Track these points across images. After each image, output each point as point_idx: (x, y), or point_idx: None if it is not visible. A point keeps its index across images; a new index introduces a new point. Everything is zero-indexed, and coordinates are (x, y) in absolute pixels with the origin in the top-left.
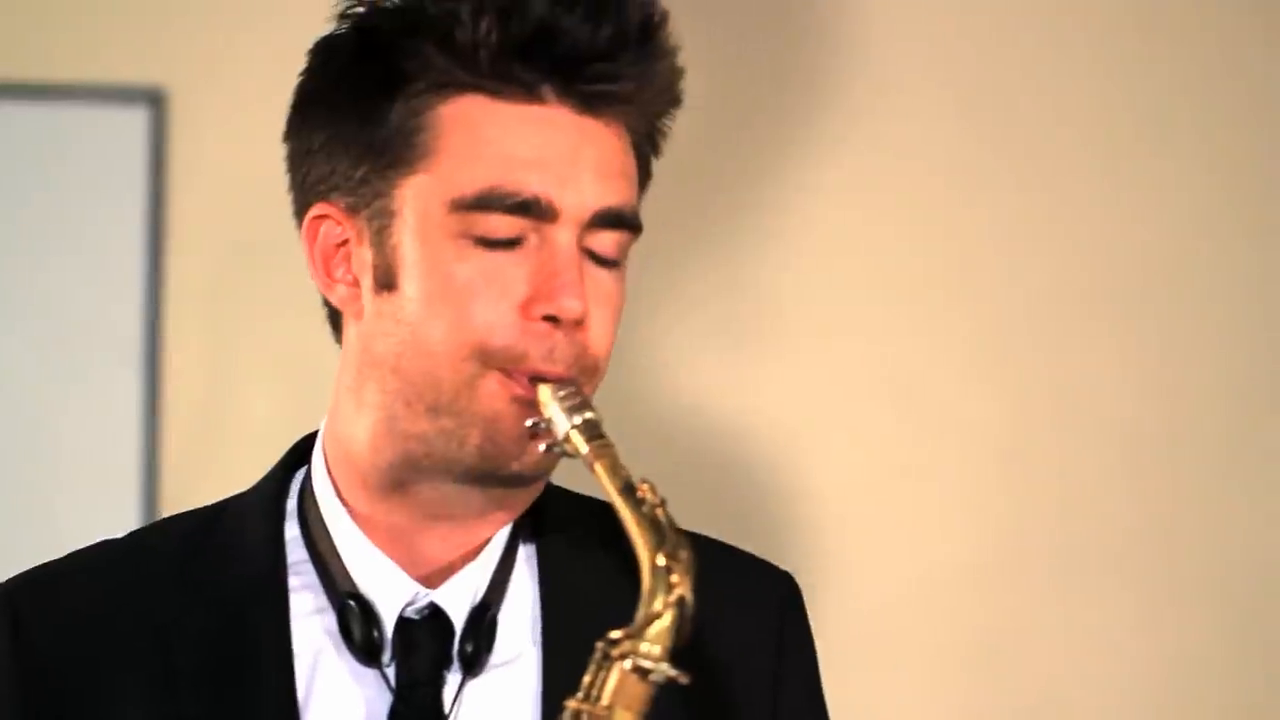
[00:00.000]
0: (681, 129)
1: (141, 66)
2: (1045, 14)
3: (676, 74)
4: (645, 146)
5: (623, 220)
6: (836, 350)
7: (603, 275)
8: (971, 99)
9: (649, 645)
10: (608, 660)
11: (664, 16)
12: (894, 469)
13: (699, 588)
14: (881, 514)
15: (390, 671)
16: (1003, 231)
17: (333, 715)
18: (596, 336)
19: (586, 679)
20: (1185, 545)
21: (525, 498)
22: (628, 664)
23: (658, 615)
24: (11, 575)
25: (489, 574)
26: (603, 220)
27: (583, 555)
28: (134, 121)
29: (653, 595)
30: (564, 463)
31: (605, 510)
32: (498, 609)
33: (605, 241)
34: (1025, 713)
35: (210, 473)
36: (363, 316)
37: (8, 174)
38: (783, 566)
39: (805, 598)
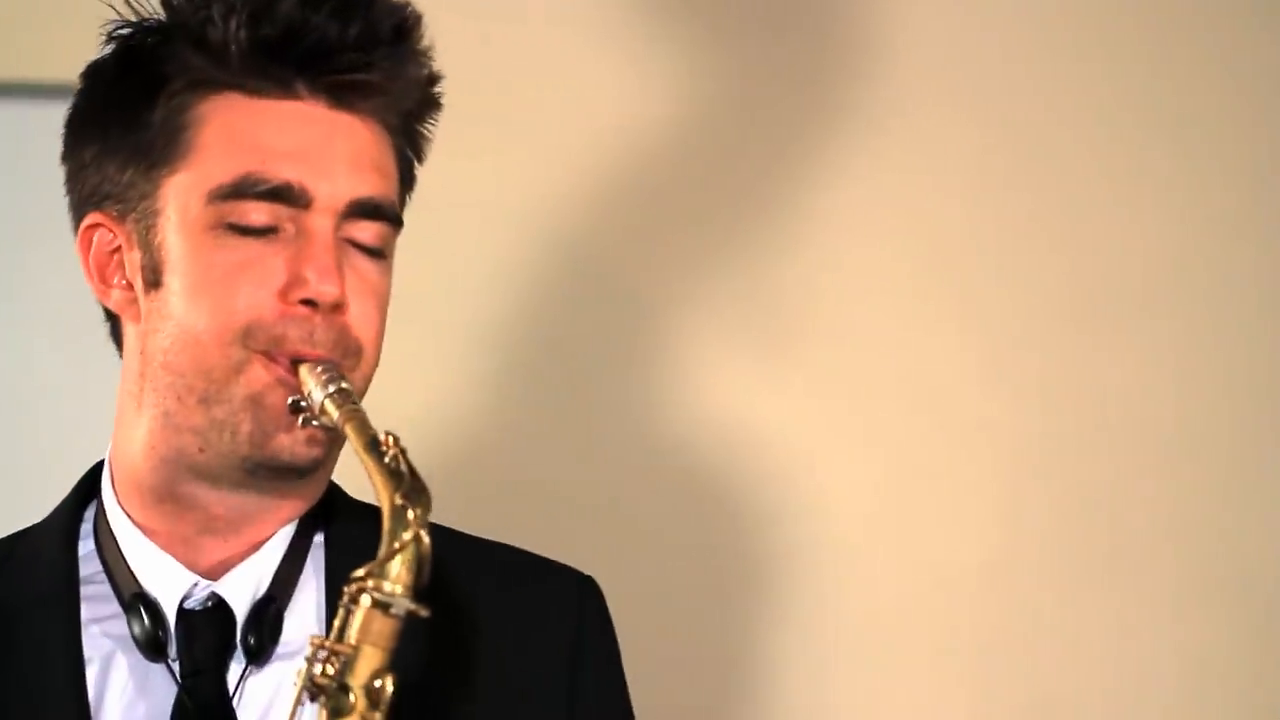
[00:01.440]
0: (700, 136)
1: None
2: (1058, 19)
3: (430, 75)
4: (406, 149)
5: (380, 211)
6: (855, 354)
7: (365, 265)
8: (988, 105)
9: (390, 581)
10: (353, 602)
11: (416, 19)
12: (912, 471)
13: (486, 579)
14: (900, 516)
15: (177, 666)
16: (1021, 235)
17: (124, 712)
18: (359, 321)
19: (336, 622)
20: (1202, 547)
21: (304, 495)
22: (369, 600)
23: (397, 551)
24: None
25: (272, 568)
26: (359, 210)
27: (368, 553)
28: None
29: (392, 534)
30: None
31: None
32: (285, 603)
33: (364, 231)
34: (1041, 714)
35: None
36: (139, 319)
37: (32, 173)
38: (801, 569)
39: (822, 599)
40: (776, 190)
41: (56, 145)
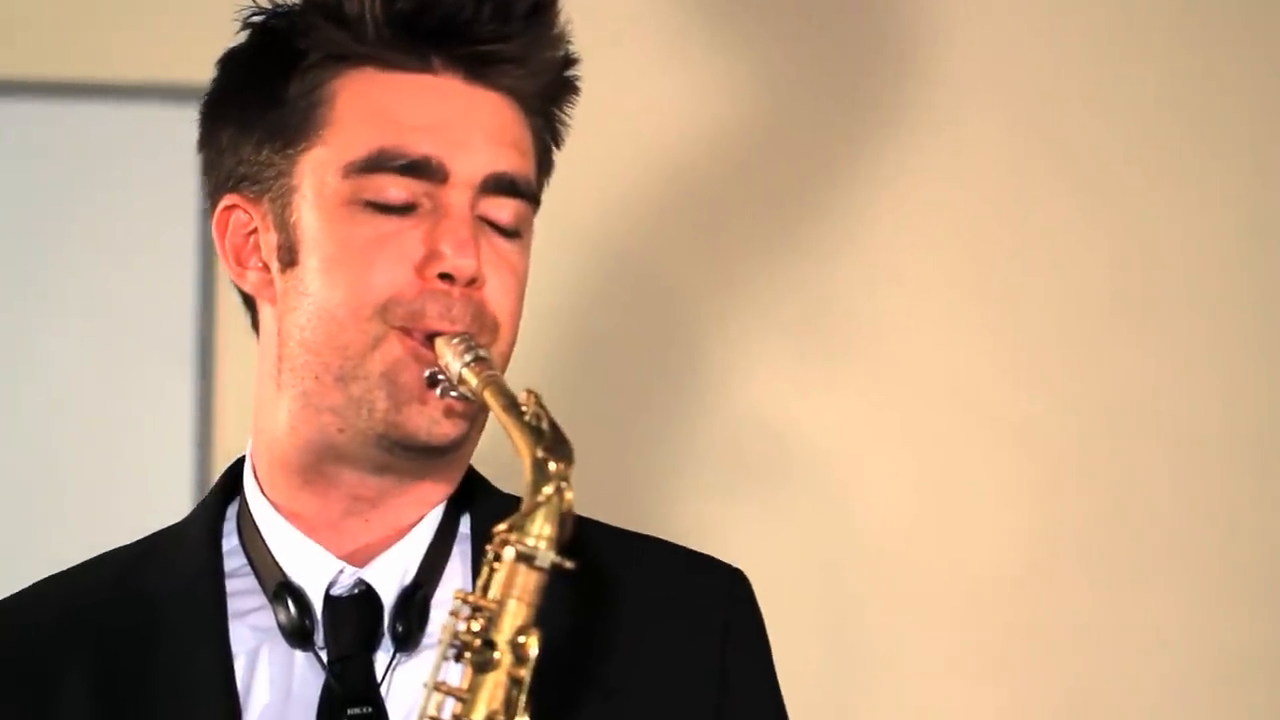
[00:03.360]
0: (743, 137)
1: (196, 65)
2: (1097, 20)
3: (567, 57)
4: (543, 131)
5: (516, 188)
6: (893, 355)
7: (501, 243)
8: (1027, 106)
9: (533, 535)
10: (497, 557)
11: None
12: (950, 472)
13: (644, 585)
14: (938, 517)
15: (324, 653)
16: (1060, 235)
17: (272, 702)
18: (495, 297)
19: (479, 580)
20: (1236, 545)
21: (445, 478)
22: (512, 553)
23: (540, 505)
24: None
25: (419, 555)
26: (496, 185)
27: None
28: (189, 121)
29: (534, 487)
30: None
31: None
32: (432, 590)
33: (501, 209)
34: (1074, 712)
35: None
36: (275, 300)
37: (63, 173)
38: (833, 568)
39: (855, 598)
40: (817, 192)
41: (100, 146)
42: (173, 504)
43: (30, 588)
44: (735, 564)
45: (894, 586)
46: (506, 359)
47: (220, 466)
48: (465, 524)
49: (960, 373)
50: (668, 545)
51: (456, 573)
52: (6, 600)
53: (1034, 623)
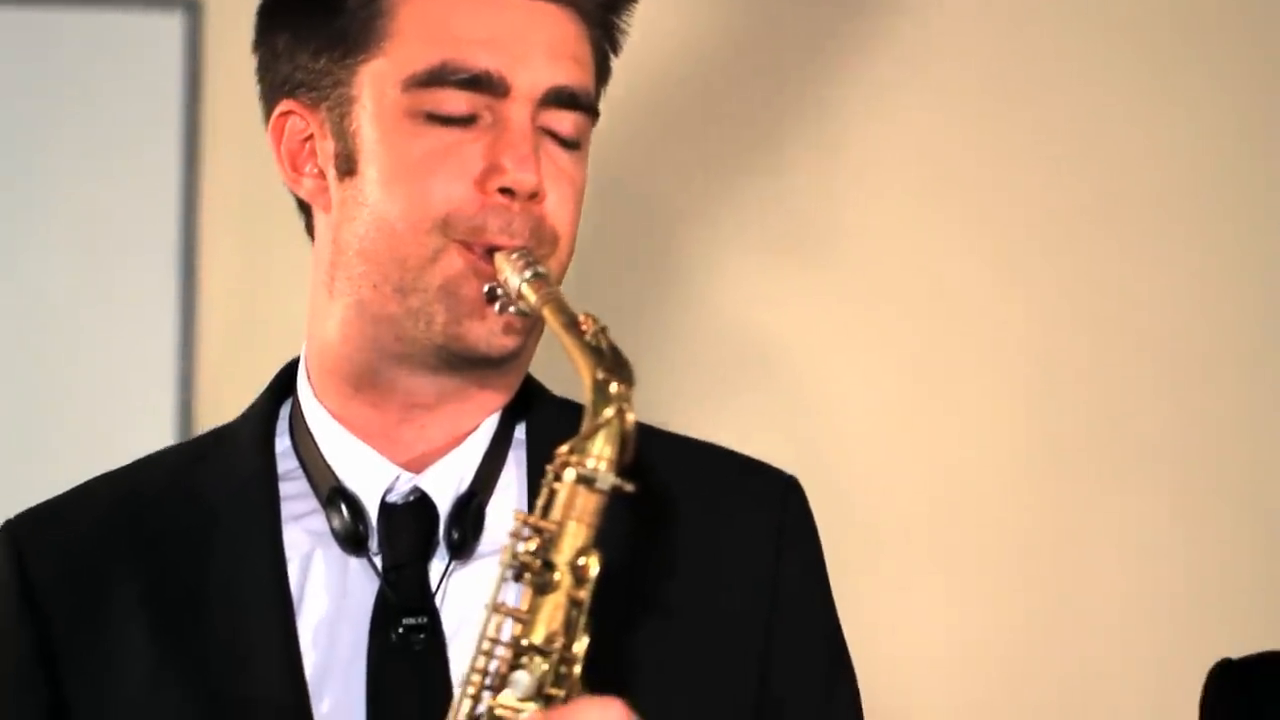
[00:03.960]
0: (717, 44)
1: None
2: None
3: None
4: (602, 40)
5: (576, 100)
6: (872, 261)
7: (561, 155)
8: (1003, 13)
9: (594, 456)
10: (557, 478)
11: None
12: (927, 378)
13: (695, 474)
14: (914, 422)
15: (379, 560)
16: (1041, 142)
17: (325, 608)
18: (555, 211)
19: (539, 499)
20: (1216, 449)
21: (502, 386)
22: (573, 475)
23: (600, 426)
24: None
25: (475, 463)
26: (556, 99)
27: None
28: (170, 28)
29: (595, 409)
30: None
31: None
32: (486, 498)
33: (562, 121)
34: (1054, 616)
35: (246, 377)
36: (330, 208)
37: (44, 82)
38: (815, 474)
39: (837, 504)
40: (798, 99)
41: (82, 54)
42: (156, 412)
43: (80, 488)
44: None
45: (873, 491)
46: (563, 271)
47: (204, 373)
48: (520, 431)
49: (941, 278)
50: (720, 452)
51: (512, 481)
52: (56, 500)
53: (1014, 526)
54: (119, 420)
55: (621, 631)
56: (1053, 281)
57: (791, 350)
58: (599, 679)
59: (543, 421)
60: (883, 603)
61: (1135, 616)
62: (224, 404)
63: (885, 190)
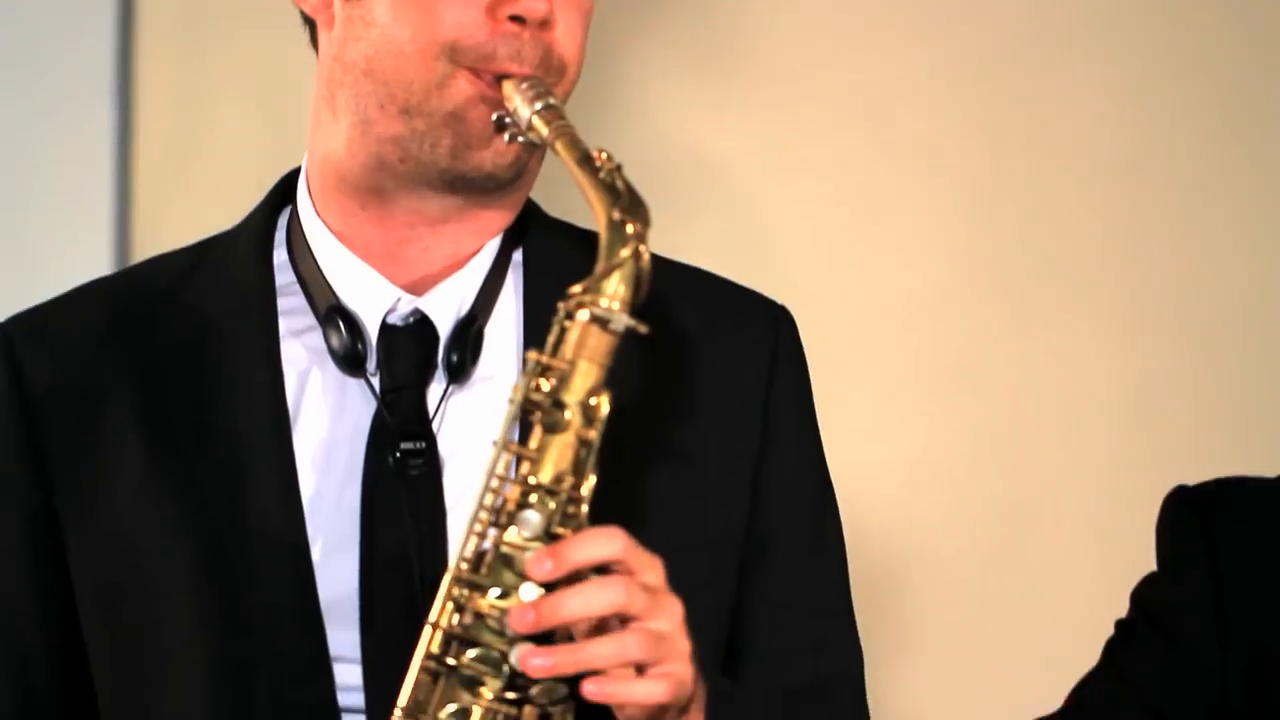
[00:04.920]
0: None
1: None
2: None
3: None
4: None
5: None
6: (804, 78)
7: None
8: None
9: (608, 297)
10: (569, 317)
11: None
12: (860, 195)
13: (692, 307)
14: (851, 240)
15: (376, 380)
16: None
17: (321, 425)
18: (564, 38)
19: (550, 338)
20: (1152, 273)
21: (505, 207)
22: (586, 315)
23: (615, 267)
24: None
25: (476, 286)
26: None
27: (568, 277)
28: None
29: (610, 249)
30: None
31: (593, 235)
32: (484, 322)
33: None
34: (993, 439)
35: (183, 195)
36: (333, 24)
37: None
38: (752, 287)
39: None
40: None
41: None
42: (92, 228)
43: (74, 293)
44: None
45: (807, 309)
46: (567, 97)
47: (141, 189)
48: (519, 255)
49: (876, 95)
50: (714, 280)
51: (509, 304)
52: (50, 304)
53: (950, 349)
54: (55, 243)
55: (625, 468)
56: (989, 97)
57: (728, 167)
58: (604, 517)
59: (541, 245)
60: (826, 415)
61: (1073, 437)
62: (161, 220)
63: (820, 9)
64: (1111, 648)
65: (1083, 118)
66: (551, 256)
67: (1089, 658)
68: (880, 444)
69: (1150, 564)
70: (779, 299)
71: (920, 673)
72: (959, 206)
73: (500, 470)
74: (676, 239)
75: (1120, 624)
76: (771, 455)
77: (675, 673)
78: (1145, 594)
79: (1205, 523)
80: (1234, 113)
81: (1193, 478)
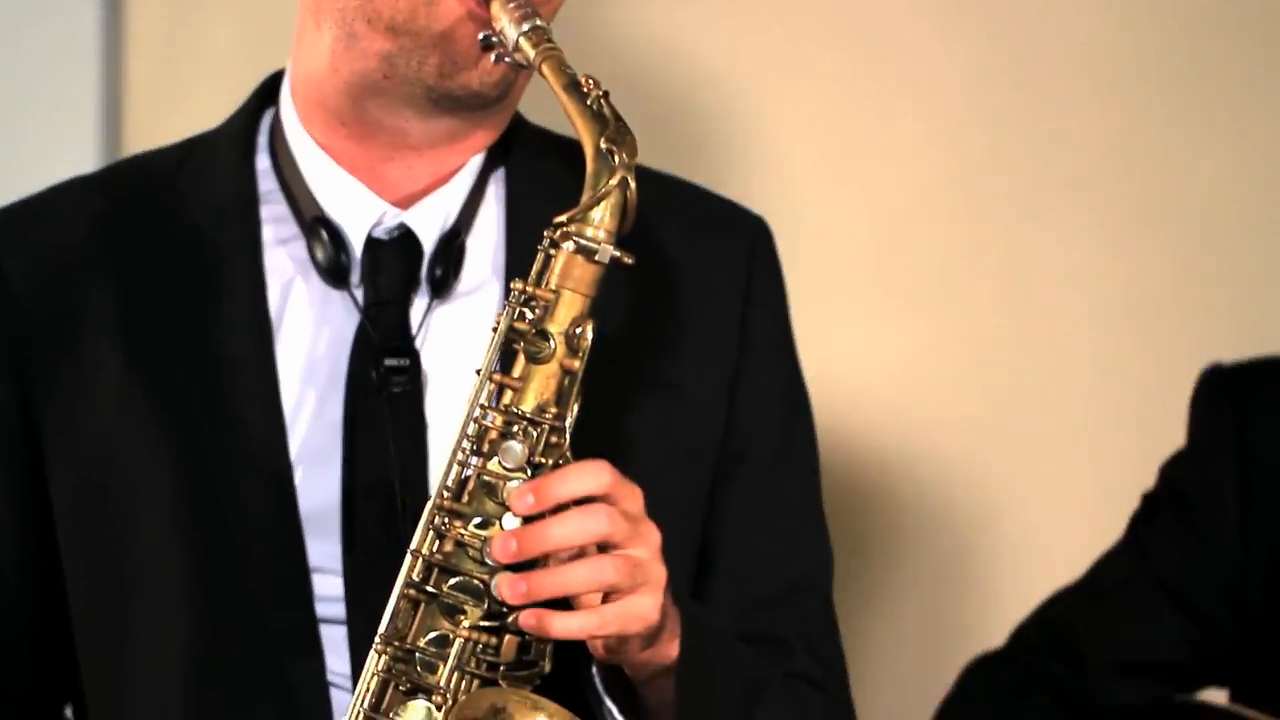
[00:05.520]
0: None
1: None
2: None
3: None
4: None
5: None
6: None
7: None
8: None
9: (594, 226)
10: (554, 246)
11: None
12: (850, 103)
13: (670, 224)
14: (843, 150)
15: (359, 294)
16: None
17: (304, 336)
18: None
19: (535, 268)
20: (1144, 175)
21: (491, 125)
22: (572, 245)
23: (602, 196)
24: None
25: (460, 200)
26: None
27: (549, 189)
28: None
29: (596, 178)
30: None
31: (574, 145)
32: (466, 236)
33: None
34: (986, 347)
35: (172, 103)
36: None
37: None
38: (746, 201)
39: (771, 229)
40: None
41: None
42: (80, 134)
43: (55, 190)
44: None
45: (798, 220)
46: (553, 16)
47: (130, 96)
48: (501, 170)
49: (866, 6)
50: (694, 191)
51: (491, 218)
52: (31, 200)
53: (940, 257)
54: (43, 147)
55: (606, 394)
56: (981, 6)
57: (720, 80)
58: (585, 443)
59: (524, 159)
60: (810, 333)
61: (1067, 345)
62: (150, 127)
63: None
64: (1135, 522)
65: (1071, 24)
66: (537, 172)
67: (1080, 564)
68: (872, 353)
69: (1144, 468)
70: (771, 210)
71: (908, 583)
72: (948, 115)
73: (484, 400)
74: (664, 150)
75: (1146, 498)
76: (747, 368)
77: (630, 607)
78: (1172, 473)
79: (1237, 406)
80: (1220, 14)
81: (1184, 381)
